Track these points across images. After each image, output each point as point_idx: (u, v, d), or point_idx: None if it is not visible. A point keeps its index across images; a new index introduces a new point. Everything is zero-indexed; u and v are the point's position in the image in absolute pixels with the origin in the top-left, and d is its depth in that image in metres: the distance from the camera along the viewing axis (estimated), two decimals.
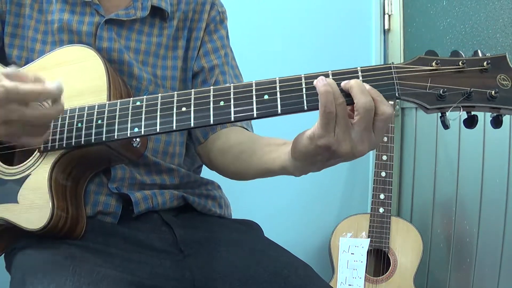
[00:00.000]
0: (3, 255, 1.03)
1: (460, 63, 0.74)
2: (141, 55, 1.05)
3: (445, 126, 0.75)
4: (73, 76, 0.93)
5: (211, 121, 0.79)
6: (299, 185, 1.94)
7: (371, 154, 2.05)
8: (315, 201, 2.07)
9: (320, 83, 0.74)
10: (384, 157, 1.87)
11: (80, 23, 1.01)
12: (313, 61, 1.99)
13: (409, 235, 1.83)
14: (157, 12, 1.07)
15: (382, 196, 1.85)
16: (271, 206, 1.94)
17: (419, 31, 2.02)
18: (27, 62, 1.01)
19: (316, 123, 0.74)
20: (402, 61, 2.05)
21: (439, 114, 0.75)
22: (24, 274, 0.83)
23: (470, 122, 0.75)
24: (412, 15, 2.05)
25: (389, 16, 2.12)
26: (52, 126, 0.84)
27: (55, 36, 1.02)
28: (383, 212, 1.84)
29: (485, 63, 0.73)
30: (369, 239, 1.82)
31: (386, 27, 2.12)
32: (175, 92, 0.82)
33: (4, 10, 1.03)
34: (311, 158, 0.78)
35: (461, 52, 0.76)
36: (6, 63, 1.03)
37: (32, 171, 0.90)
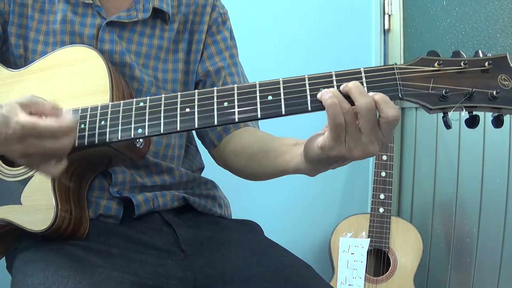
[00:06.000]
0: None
1: (462, 64, 0.74)
2: (142, 58, 1.05)
3: (447, 126, 0.76)
4: (75, 77, 0.92)
5: (215, 122, 0.79)
6: (299, 185, 1.94)
7: None
8: (315, 201, 2.07)
9: (325, 96, 0.73)
10: (384, 157, 1.87)
11: (82, 25, 1.01)
12: (313, 61, 1.99)
13: (409, 235, 1.83)
14: (158, 14, 1.07)
15: (382, 196, 1.85)
16: (271, 206, 1.94)
17: (419, 31, 2.01)
18: (30, 63, 1.00)
19: (326, 133, 0.75)
20: (402, 61, 2.07)
21: (441, 114, 0.76)
22: (26, 275, 0.83)
23: (472, 122, 0.76)
24: (412, 15, 2.05)
25: (389, 16, 2.12)
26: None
27: (57, 37, 1.02)
28: (383, 212, 1.84)
29: (486, 64, 0.74)
30: (369, 239, 1.82)
31: (386, 27, 2.12)
32: (179, 93, 0.82)
33: (7, 10, 1.02)
34: (324, 163, 0.80)
35: (462, 52, 0.76)
36: (9, 64, 1.02)
37: (35, 172, 0.89)
